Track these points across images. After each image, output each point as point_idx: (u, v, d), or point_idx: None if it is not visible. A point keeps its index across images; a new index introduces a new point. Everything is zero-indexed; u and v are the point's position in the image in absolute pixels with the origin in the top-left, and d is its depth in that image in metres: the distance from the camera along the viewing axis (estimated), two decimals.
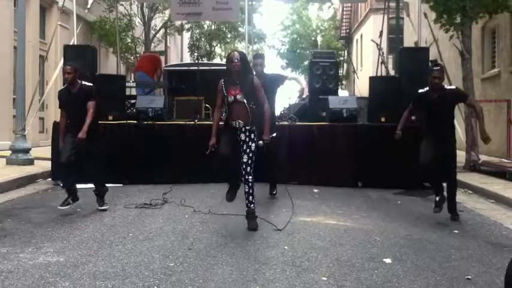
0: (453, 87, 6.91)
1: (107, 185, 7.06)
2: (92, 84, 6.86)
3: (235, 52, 5.98)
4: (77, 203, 6.77)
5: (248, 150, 5.84)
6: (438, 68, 6.53)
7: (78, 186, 6.80)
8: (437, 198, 6.62)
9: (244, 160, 5.81)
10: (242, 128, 5.85)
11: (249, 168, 5.81)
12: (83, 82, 6.73)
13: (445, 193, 6.61)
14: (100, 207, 6.81)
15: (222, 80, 5.96)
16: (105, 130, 8.82)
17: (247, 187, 5.86)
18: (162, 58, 23.04)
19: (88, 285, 3.97)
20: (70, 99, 6.62)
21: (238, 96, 5.83)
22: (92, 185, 6.95)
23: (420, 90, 6.72)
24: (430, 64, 7.81)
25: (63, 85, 6.89)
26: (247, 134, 5.86)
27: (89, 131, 6.46)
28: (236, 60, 5.80)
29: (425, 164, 6.49)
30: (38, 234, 5.53)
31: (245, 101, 5.84)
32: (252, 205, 5.89)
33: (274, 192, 8.07)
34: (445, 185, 6.69)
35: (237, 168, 5.88)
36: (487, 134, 6.45)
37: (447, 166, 6.59)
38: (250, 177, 5.82)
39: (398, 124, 6.87)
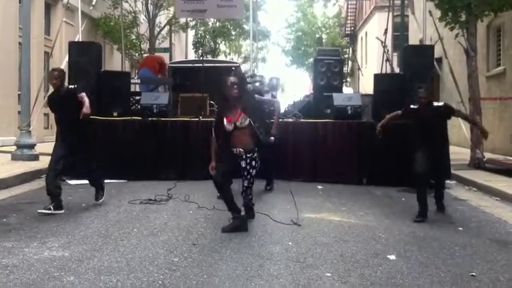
0: (440, 104, 7.06)
1: (112, 180, 7.06)
2: (73, 86, 6.99)
3: (232, 78, 5.86)
4: (81, 199, 6.80)
5: (249, 176, 5.77)
6: (422, 89, 6.80)
7: (79, 182, 6.80)
8: (421, 208, 6.72)
9: (245, 184, 5.81)
10: (243, 155, 5.73)
11: (249, 191, 5.86)
12: (69, 86, 6.87)
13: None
14: (96, 201, 6.85)
15: (216, 107, 5.85)
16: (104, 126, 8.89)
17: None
18: (167, 55, 23.09)
19: (93, 280, 3.98)
20: (58, 103, 6.63)
21: (237, 123, 5.67)
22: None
23: (411, 106, 6.94)
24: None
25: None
26: (248, 161, 5.73)
27: (76, 129, 6.53)
28: (235, 87, 5.70)
29: (421, 175, 6.63)
30: (42, 229, 5.55)
31: (246, 126, 5.71)
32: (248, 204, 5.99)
33: (269, 188, 8.35)
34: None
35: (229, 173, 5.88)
36: (487, 132, 7.10)
37: (438, 174, 6.92)
38: (251, 198, 5.92)
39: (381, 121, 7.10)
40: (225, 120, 5.71)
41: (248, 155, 5.72)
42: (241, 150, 5.71)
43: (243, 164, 5.73)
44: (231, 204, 5.68)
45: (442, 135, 6.89)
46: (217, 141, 5.87)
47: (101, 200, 6.88)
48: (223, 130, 5.75)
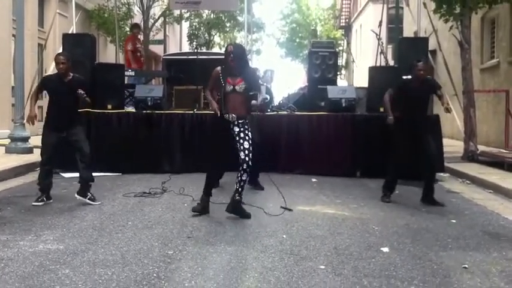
0: (429, 77, 7.19)
1: (106, 173, 7.02)
2: (83, 77, 6.86)
3: (231, 45, 6.09)
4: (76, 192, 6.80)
5: (247, 137, 5.86)
6: (421, 62, 6.93)
7: (73, 175, 6.76)
8: (389, 192, 7.16)
9: (246, 146, 5.82)
10: (235, 121, 5.88)
11: (251, 155, 5.82)
12: (75, 74, 6.69)
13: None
14: (88, 201, 6.45)
15: (220, 68, 5.98)
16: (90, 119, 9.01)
17: (245, 175, 5.83)
18: (161, 47, 22.98)
19: (88, 273, 4.00)
20: (61, 88, 6.51)
21: (237, 87, 5.85)
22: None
23: (404, 77, 7.18)
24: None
25: None
26: (240, 126, 5.89)
27: (72, 119, 6.53)
28: (232, 55, 5.90)
29: (398, 165, 7.05)
30: (37, 222, 5.55)
31: (243, 92, 5.88)
32: (240, 197, 5.87)
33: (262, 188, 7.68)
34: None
35: (224, 160, 6.04)
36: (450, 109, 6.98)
37: (427, 155, 6.92)
38: (250, 164, 5.81)
39: (387, 110, 7.09)
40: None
41: (240, 121, 5.88)
42: (234, 116, 5.86)
43: (235, 129, 5.89)
44: (208, 190, 6.02)
45: (425, 112, 7.11)
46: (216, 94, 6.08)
47: (91, 202, 6.46)
48: (220, 92, 5.91)
